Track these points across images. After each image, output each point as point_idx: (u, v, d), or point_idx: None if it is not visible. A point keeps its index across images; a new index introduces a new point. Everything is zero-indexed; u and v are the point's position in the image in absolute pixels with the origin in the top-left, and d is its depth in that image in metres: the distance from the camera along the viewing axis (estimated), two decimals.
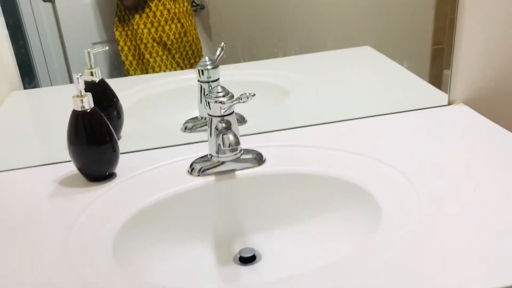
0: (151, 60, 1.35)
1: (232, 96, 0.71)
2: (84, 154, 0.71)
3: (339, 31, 1.51)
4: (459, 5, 0.89)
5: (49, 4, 1.71)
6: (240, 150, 0.76)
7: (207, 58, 0.87)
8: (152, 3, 1.29)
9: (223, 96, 0.70)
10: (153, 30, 1.31)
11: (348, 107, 0.96)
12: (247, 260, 0.70)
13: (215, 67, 0.87)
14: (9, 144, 0.89)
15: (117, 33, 1.41)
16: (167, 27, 1.29)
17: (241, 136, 0.85)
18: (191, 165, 0.76)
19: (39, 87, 1.72)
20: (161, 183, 0.73)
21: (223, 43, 0.92)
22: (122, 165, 0.77)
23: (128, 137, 0.89)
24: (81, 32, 1.71)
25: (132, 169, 0.77)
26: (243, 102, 0.69)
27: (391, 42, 1.36)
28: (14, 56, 1.18)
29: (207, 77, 0.87)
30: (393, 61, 1.14)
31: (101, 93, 0.84)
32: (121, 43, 1.41)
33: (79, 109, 0.69)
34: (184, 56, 1.31)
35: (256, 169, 0.75)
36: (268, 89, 1.09)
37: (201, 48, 1.36)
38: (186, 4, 1.28)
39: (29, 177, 0.78)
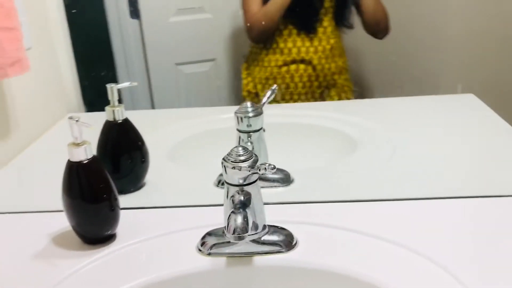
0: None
1: (256, 162, 0.55)
2: (77, 210, 0.60)
3: (444, 72, 1.28)
4: None
5: (136, 22, 1.68)
6: (265, 228, 0.59)
7: (249, 104, 0.72)
8: (281, 38, 1.16)
9: (244, 161, 0.55)
10: (275, 70, 1.15)
11: (432, 179, 0.73)
12: None
13: (257, 114, 0.71)
14: (35, 181, 0.82)
15: (244, 65, 1.29)
16: (293, 67, 1.16)
17: (278, 203, 0.69)
18: (204, 237, 0.61)
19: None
20: (162, 259, 0.59)
21: (275, 85, 0.76)
22: (130, 223, 0.65)
23: (153, 185, 0.77)
24: (165, 52, 1.66)
25: (138, 232, 0.64)
26: (261, 174, 0.53)
27: (500, 86, 1.11)
28: (77, 78, 1.14)
29: (247, 126, 0.72)
30: (499, 116, 0.90)
31: (123, 135, 0.72)
32: (243, 75, 1.29)
33: (74, 159, 0.58)
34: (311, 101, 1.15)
35: (279, 256, 0.58)
36: (333, 138, 0.92)
37: (347, 93, 1.18)
38: (332, 41, 1.14)
39: (20, 225, 0.68)
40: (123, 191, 0.73)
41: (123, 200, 0.72)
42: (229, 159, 0.55)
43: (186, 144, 0.93)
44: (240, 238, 0.51)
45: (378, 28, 1.12)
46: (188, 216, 0.68)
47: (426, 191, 0.70)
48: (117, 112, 0.71)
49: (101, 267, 0.58)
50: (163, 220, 0.67)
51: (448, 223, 0.63)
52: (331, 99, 1.16)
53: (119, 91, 0.71)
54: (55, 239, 0.63)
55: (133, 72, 1.71)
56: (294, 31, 1.12)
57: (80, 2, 1.82)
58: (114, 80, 1.69)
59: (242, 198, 0.55)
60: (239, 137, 0.73)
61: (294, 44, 1.15)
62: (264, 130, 0.92)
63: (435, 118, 0.95)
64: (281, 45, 1.15)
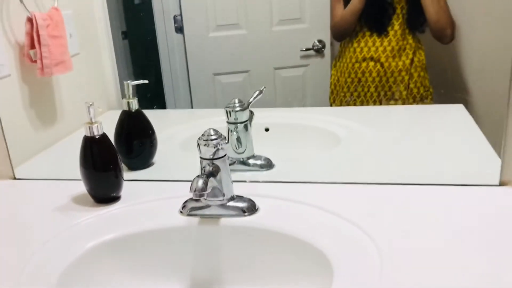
0: (339, 95, 1.45)
1: (222, 140, 0.70)
2: (89, 177, 0.77)
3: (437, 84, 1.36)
4: None
5: (180, 35, 1.90)
6: (233, 197, 0.74)
7: (236, 100, 0.87)
8: (356, 39, 1.34)
9: (214, 140, 0.70)
10: (350, 65, 1.37)
11: (393, 170, 0.85)
12: None
13: (243, 109, 0.86)
14: (69, 159, 1.01)
15: (333, 64, 1.51)
16: (364, 64, 1.31)
17: (253, 182, 0.83)
18: (185, 202, 0.76)
19: (165, 108, 1.90)
20: (151, 216, 0.75)
21: (264, 86, 0.91)
22: (135, 191, 0.82)
23: (160, 166, 0.94)
24: (205, 63, 1.86)
25: (139, 197, 0.81)
26: (221, 148, 0.68)
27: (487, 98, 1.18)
28: (117, 77, 1.34)
29: (234, 119, 0.87)
30: (478, 128, 0.98)
31: (136, 123, 0.90)
32: (332, 72, 1.50)
33: (89, 135, 0.76)
34: (382, 96, 1.34)
35: (240, 219, 0.72)
36: (322, 137, 1.04)
37: (419, 89, 1.35)
38: (400, 43, 1.30)
39: (54, 188, 0.87)
40: (134, 168, 0.91)
41: (133, 175, 0.89)
42: (202, 138, 0.71)
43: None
44: (199, 196, 0.66)
45: (442, 34, 1.26)
46: (180, 188, 0.83)
47: (378, 178, 0.81)
48: (131, 103, 0.88)
49: (106, 218, 0.75)
50: (160, 190, 0.83)
51: (388, 204, 0.74)
52: (400, 94, 1.31)
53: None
54: (74, 199, 0.81)
55: (176, 79, 1.92)
56: (368, 33, 1.29)
57: (134, 19, 2.06)
58: (161, 86, 1.90)
59: (211, 169, 0.70)
60: (228, 128, 0.88)
61: (366, 44, 1.31)
62: (267, 130, 1.07)
63: (417, 124, 1.05)
64: (355, 44, 1.30)
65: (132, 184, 0.84)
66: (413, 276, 0.57)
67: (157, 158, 0.94)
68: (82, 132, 1.12)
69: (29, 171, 0.94)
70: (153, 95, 1.86)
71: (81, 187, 0.83)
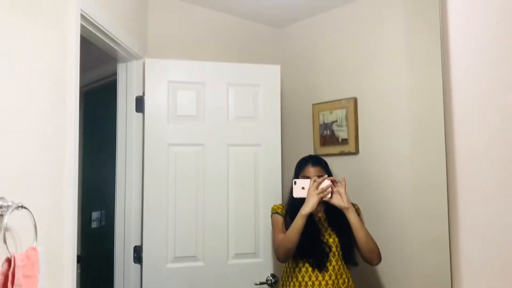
0: None
1: None
2: None
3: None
4: None
5: (138, 265, 1.94)
6: None
7: None
8: (300, 273, 1.50)
9: None
10: None
11: None
12: None
13: None
14: None
15: None
16: None
17: None
18: None
19: None
20: None
21: None
22: None
23: None
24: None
25: None
26: None
27: None
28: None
29: None
30: None
31: None
32: None
33: None
34: None
35: None
36: None
37: None
38: (339, 277, 1.45)
39: None
40: None
41: None
42: None
43: None
44: None
45: (372, 256, 1.41)
46: None
47: None
48: None
49: None
50: None
51: None
52: None
53: None
54: None
55: (128, 276, 1.87)
56: (310, 269, 1.41)
57: (91, 244, 2.13)
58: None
59: None
60: None
61: (309, 278, 1.42)
62: None
63: None
64: (299, 279, 1.43)
65: None
66: None
67: None
68: None
69: None
70: None
71: None
